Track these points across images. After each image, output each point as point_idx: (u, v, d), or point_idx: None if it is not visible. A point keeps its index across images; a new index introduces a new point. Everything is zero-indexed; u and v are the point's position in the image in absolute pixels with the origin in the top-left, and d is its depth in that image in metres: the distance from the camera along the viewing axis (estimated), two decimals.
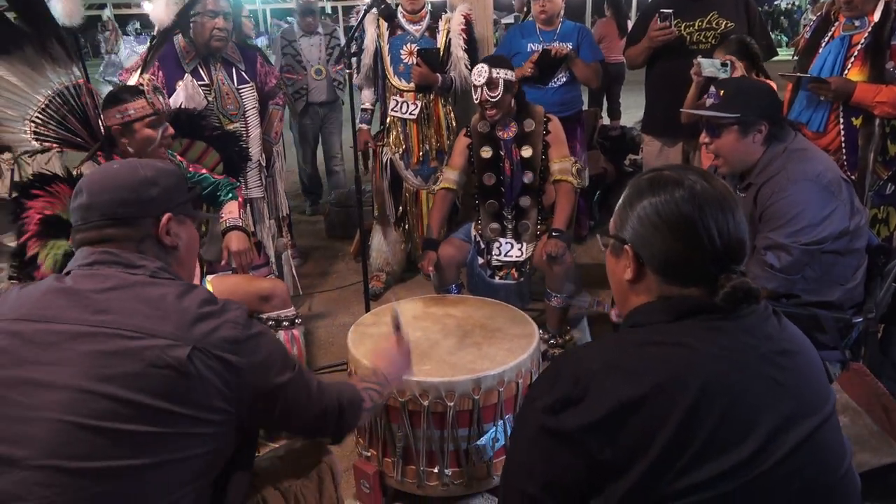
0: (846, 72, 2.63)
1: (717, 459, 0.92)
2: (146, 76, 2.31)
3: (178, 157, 2.53)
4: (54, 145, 2.24)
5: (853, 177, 2.63)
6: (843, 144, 2.70)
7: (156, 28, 2.78)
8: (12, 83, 2.10)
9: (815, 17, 2.92)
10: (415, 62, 3.47)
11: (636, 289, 1.10)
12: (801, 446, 0.96)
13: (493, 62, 2.85)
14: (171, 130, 2.27)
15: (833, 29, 2.71)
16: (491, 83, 2.80)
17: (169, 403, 1.07)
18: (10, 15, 2.14)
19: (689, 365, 0.97)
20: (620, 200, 1.13)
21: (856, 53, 2.61)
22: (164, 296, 1.15)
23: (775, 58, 3.39)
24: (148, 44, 3.36)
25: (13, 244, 2.20)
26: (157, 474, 1.08)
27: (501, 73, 2.80)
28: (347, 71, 3.04)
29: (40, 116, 2.17)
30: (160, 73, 2.96)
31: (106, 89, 2.41)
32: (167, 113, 2.30)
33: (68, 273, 1.19)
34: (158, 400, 1.06)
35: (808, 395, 1.02)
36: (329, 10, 22.07)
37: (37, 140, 2.21)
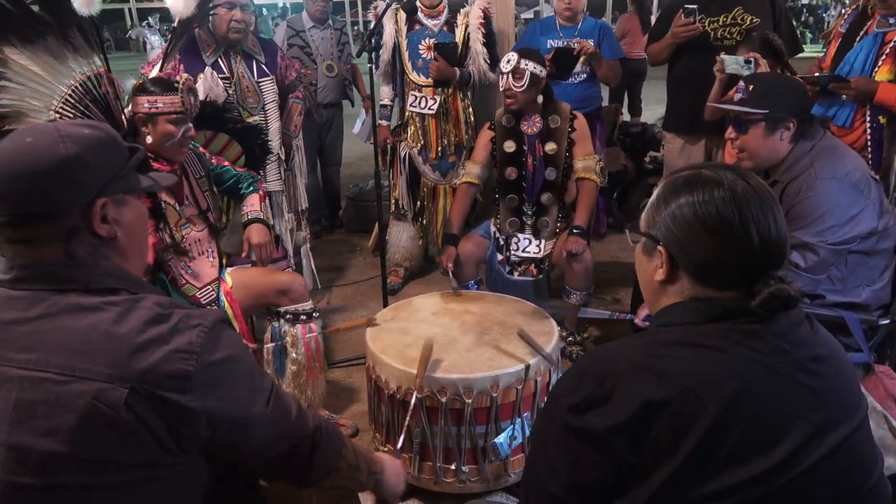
0: (876, 69, 2.58)
1: (746, 465, 0.90)
2: (184, 75, 2.34)
3: (201, 149, 2.54)
4: None
5: (877, 176, 2.58)
6: (869, 142, 2.65)
7: (175, 20, 2.79)
8: (36, 73, 2.11)
9: (850, 10, 2.86)
10: (432, 57, 3.47)
11: (667, 290, 1.07)
12: (833, 454, 0.94)
13: (524, 53, 2.84)
14: (192, 133, 2.30)
15: (868, 25, 2.66)
16: (517, 72, 2.79)
17: (111, 454, 0.93)
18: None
19: (720, 368, 0.94)
20: (653, 197, 1.09)
21: (887, 51, 2.56)
22: (97, 323, 0.95)
23: (800, 54, 3.34)
24: (159, 36, 3.34)
25: None
26: None
27: (530, 66, 2.79)
28: (369, 65, 3.03)
29: (64, 107, 2.19)
30: (181, 66, 2.97)
31: (128, 80, 2.42)
32: (193, 114, 2.34)
33: None
34: (99, 451, 0.93)
35: (841, 402, 0.99)
36: (348, 4, 22.01)
37: None
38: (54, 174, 0.97)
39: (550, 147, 2.93)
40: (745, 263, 0.99)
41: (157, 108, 2.21)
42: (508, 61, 2.81)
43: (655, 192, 1.09)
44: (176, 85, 2.24)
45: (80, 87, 2.18)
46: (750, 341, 0.97)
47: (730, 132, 2.12)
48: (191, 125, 2.28)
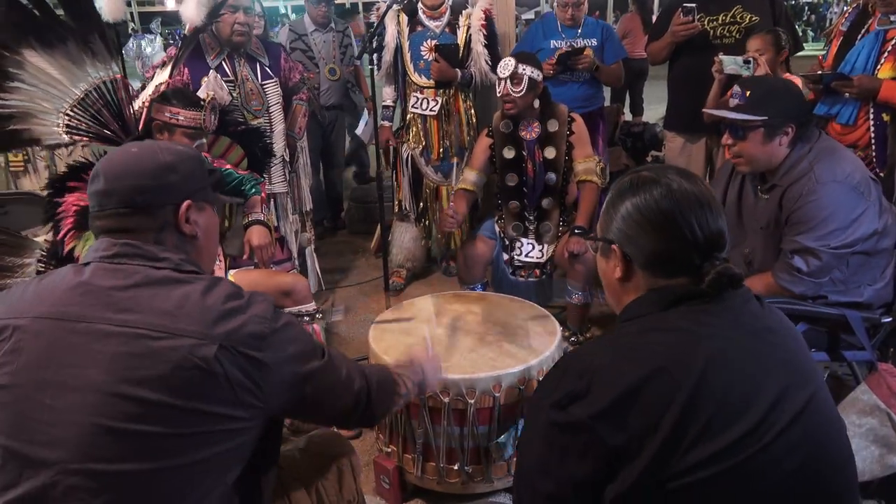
0: (878, 67, 2.57)
1: (723, 433, 0.95)
2: (210, 93, 2.40)
3: (203, 154, 2.55)
4: (84, 138, 2.27)
5: (882, 174, 2.58)
6: (873, 140, 2.65)
7: (186, 28, 2.80)
8: (52, 76, 2.12)
9: (850, 9, 2.85)
10: (434, 58, 3.47)
11: (627, 287, 1.14)
12: (800, 415, 0.99)
13: (521, 58, 2.84)
14: (203, 149, 2.35)
15: (869, 23, 2.65)
16: (515, 77, 2.79)
17: (198, 403, 1.07)
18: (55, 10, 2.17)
19: (689, 345, 1.00)
20: (604, 204, 1.17)
21: (889, 49, 2.55)
22: (189, 293, 1.13)
23: (801, 52, 3.34)
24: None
25: (40, 238, 2.23)
26: (191, 472, 1.08)
27: (527, 70, 2.79)
28: (370, 67, 3.03)
29: (75, 110, 2.20)
30: (185, 69, 2.98)
31: (137, 83, 2.44)
32: (209, 131, 2.42)
33: (87, 264, 1.17)
34: (187, 400, 1.06)
35: (799, 367, 1.06)
36: (349, 6, 21.93)
37: (68, 133, 2.24)
38: (154, 176, 1.19)
39: (549, 151, 2.93)
40: (690, 250, 1.07)
41: (177, 120, 2.29)
42: (506, 67, 2.81)
43: (606, 199, 1.17)
44: (202, 104, 2.31)
45: (94, 92, 2.20)
46: (708, 319, 1.04)
47: (726, 138, 2.10)
48: (203, 141, 2.33)
